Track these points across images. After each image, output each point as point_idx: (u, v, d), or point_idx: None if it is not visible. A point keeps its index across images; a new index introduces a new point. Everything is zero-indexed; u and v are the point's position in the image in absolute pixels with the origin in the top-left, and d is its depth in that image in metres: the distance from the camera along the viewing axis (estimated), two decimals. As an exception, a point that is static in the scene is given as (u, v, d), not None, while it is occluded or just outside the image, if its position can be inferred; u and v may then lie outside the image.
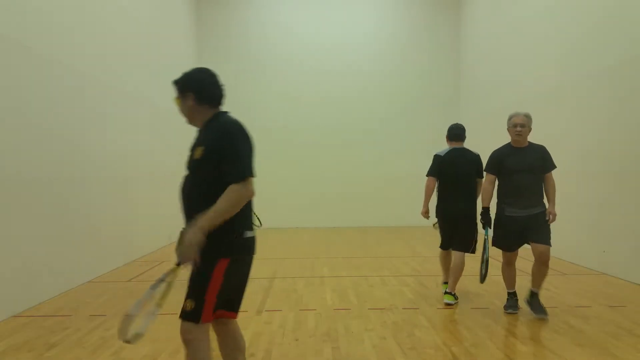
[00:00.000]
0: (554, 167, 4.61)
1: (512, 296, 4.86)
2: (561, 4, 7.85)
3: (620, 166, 6.30)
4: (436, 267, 7.19)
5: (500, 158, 4.70)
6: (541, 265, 4.55)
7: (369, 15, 13.07)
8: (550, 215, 4.54)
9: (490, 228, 4.81)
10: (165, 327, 4.37)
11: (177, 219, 11.55)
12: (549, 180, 4.60)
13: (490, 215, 4.79)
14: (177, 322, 4.51)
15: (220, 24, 12.82)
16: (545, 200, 4.63)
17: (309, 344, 3.93)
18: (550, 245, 4.50)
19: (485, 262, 4.84)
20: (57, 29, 5.78)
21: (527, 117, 4.58)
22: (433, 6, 13.10)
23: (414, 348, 3.80)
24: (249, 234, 2.49)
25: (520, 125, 4.54)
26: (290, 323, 4.49)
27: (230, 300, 2.65)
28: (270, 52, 12.82)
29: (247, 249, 2.51)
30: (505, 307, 4.81)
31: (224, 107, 2.65)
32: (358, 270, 6.95)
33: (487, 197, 4.82)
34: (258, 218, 6.99)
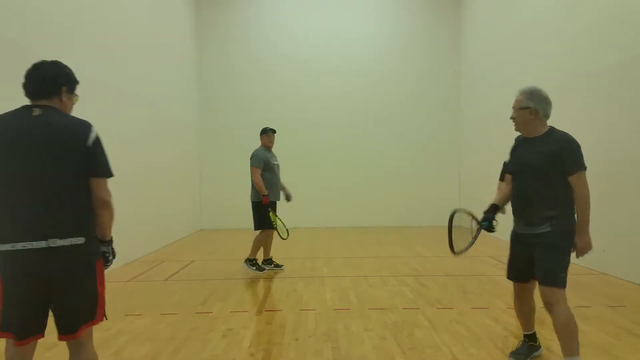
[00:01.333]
0: (578, 168, 3.19)
1: (526, 341, 3.55)
2: (561, 4, 7.85)
3: (620, 166, 6.30)
4: (436, 267, 7.19)
5: (511, 151, 3.50)
6: (546, 307, 3.21)
7: (369, 15, 13.07)
8: (577, 249, 3.23)
9: (487, 228, 3.59)
10: (165, 327, 4.38)
11: (176, 219, 11.59)
12: (575, 187, 3.21)
13: (493, 215, 3.56)
14: (177, 322, 4.52)
15: (220, 24, 12.82)
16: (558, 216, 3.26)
17: (309, 344, 3.93)
18: (556, 286, 3.09)
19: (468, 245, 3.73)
20: (57, 29, 5.78)
21: (525, 96, 3.27)
22: (433, 6, 13.09)
23: (414, 348, 3.80)
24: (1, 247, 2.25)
25: (513, 108, 3.34)
26: (290, 323, 4.49)
27: (15, 324, 2.28)
28: (270, 51, 12.81)
29: (2, 265, 2.27)
30: (511, 354, 3.51)
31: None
32: (358, 270, 6.95)
33: (497, 196, 3.67)
34: (286, 228, 6.94)
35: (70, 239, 2.28)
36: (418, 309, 4.91)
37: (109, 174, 2.45)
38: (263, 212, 6.53)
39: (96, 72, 6.75)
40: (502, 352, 3.70)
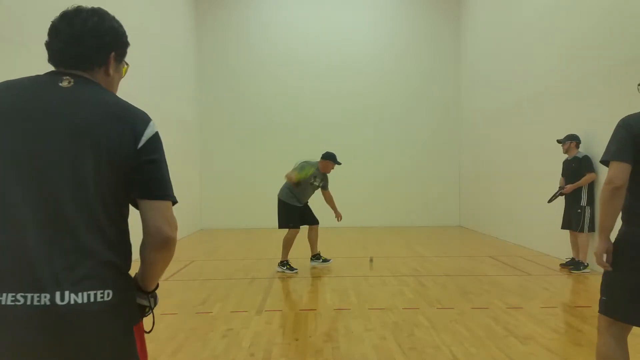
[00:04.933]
0: None
1: None
2: (561, 4, 7.85)
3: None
4: (436, 267, 7.19)
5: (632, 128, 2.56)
6: None
7: (369, 15, 13.06)
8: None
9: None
10: (165, 327, 4.38)
11: (176, 219, 11.49)
12: None
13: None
14: (177, 322, 4.53)
15: (220, 24, 12.81)
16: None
17: (309, 344, 3.93)
18: None
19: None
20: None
21: None
22: (433, 6, 13.09)
23: (414, 348, 3.79)
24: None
25: None
26: (290, 323, 4.49)
27: None
28: (270, 51, 12.81)
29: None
30: None
31: None
32: (358, 270, 6.95)
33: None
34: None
35: (89, 293, 1.33)
36: (418, 309, 4.90)
37: (172, 194, 1.52)
38: (287, 212, 6.81)
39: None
40: (502, 352, 3.70)
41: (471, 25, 12.25)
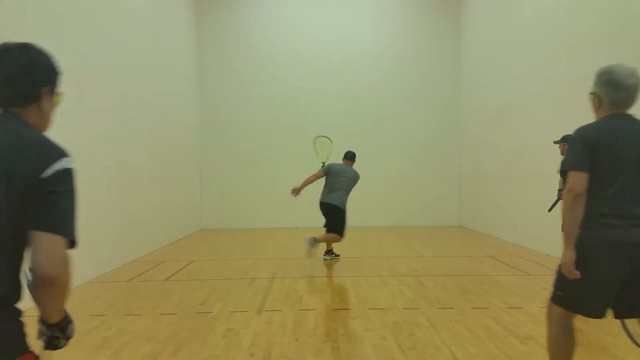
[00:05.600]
0: None
1: None
2: (561, 3, 7.85)
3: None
4: (436, 267, 7.19)
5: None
6: None
7: (370, 16, 13.06)
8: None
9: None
10: (165, 327, 4.38)
11: (176, 219, 11.58)
12: None
13: None
14: (177, 322, 4.53)
15: (220, 24, 12.81)
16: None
17: (309, 344, 3.93)
18: None
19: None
20: (56, 29, 5.78)
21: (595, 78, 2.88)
22: (433, 6, 13.09)
23: (414, 348, 3.79)
24: None
25: None
26: (290, 323, 4.48)
27: None
28: (270, 51, 12.80)
29: None
30: None
31: None
32: (358, 270, 6.95)
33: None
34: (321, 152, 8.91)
35: None
36: (418, 309, 4.90)
37: (68, 232, 1.44)
38: (345, 219, 7.56)
39: (96, 72, 6.75)
40: (502, 352, 3.70)
41: (471, 25, 12.25)
